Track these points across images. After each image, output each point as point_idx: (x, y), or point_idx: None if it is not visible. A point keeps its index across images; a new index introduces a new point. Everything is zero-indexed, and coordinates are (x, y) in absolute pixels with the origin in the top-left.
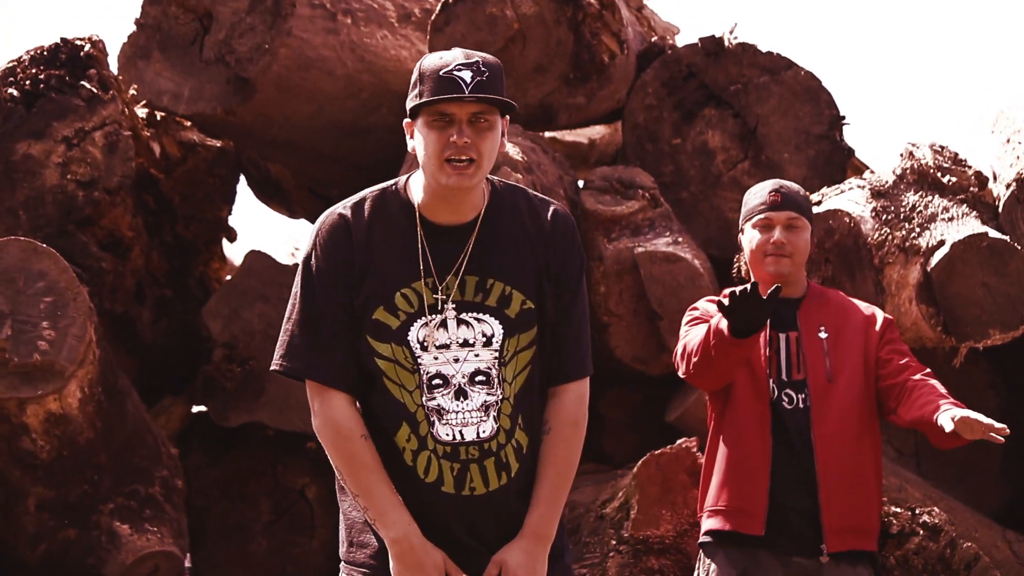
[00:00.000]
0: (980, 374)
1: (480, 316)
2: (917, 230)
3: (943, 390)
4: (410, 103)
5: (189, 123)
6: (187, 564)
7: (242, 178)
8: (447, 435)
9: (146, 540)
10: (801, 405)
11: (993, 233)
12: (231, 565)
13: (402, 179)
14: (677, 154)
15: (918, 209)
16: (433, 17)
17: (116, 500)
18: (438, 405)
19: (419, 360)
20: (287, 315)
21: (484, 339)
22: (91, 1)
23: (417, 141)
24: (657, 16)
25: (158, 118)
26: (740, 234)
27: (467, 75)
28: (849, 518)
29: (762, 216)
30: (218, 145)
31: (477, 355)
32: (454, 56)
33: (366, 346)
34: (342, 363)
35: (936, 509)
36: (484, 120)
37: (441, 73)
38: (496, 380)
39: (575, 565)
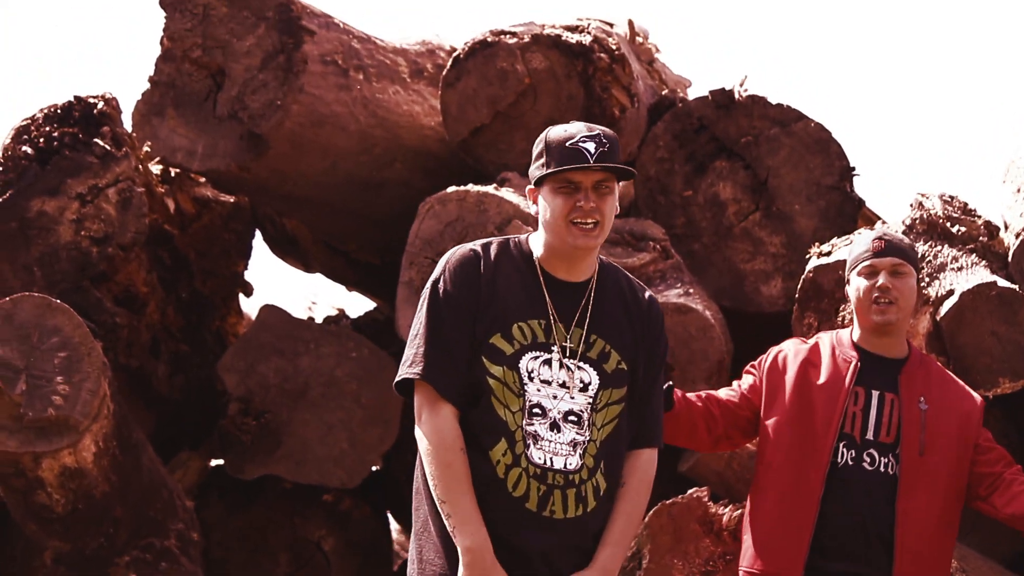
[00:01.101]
0: (992, 423)
1: (581, 364)
2: (927, 280)
3: None
4: (537, 171)
5: (203, 179)
6: None
7: (258, 233)
8: (539, 459)
9: None
10: (884, 469)
11: (1002, 282)
12: None
13: (523, 236)
14: (689, 206)
15: (927, 259)
16: (445, 72)
17: (132, 553)
18: (535, 431)
19: (525, 387)
20: (411, 334)
21: (581, 385)
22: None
23: (542, 206)
24: (668, 69)
25: (172, 174)
26: (846, 285)
27: (591, 146)
28: None
29: (867, 264)
30: (232, 200)
31: (572, 397)
32: (578, 128)
33: (480, 366)
34: (457, 378)
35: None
36: (606, 187)
37: (568, 144)
38: (586, 423)
39: None
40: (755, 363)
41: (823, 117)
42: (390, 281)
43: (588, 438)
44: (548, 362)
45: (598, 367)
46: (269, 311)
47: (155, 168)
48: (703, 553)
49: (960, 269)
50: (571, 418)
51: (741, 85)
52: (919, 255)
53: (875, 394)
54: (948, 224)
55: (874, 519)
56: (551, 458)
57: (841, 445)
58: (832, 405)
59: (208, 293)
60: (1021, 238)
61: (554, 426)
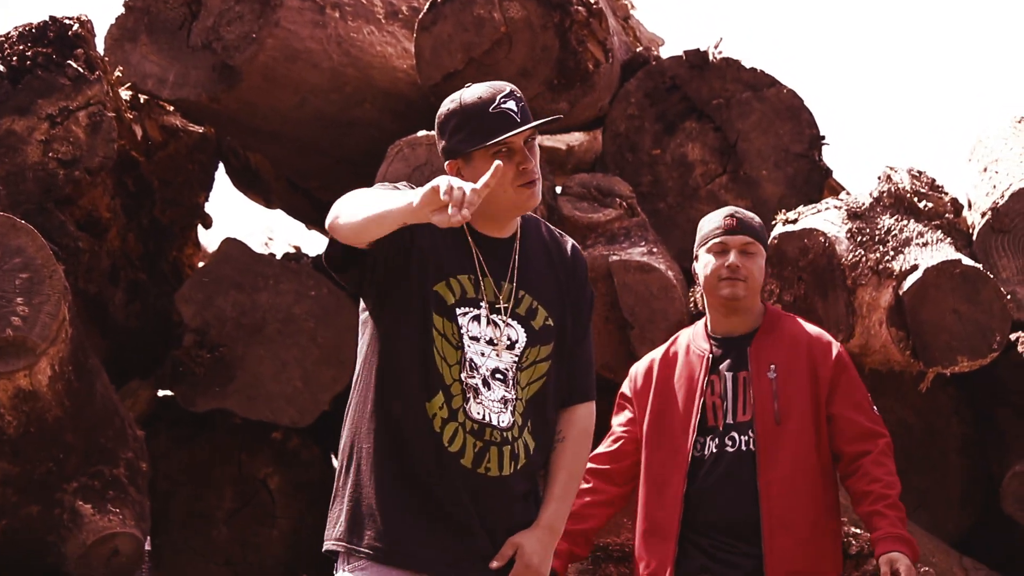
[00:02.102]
0: (946, 399)
1: (509, 321)
2: (891, 253)
3: (888, 479)
4: (462, 144)
5: (172, 108)
6: (147, 547)
7: (221, 165)
8: (478, 414)
9: (108, 521)
10: (744, 448)
11: (967, 260)
12: (192, 551)
13: None
14: (656, 165)
15: (893, 232)
16: (421, 15)
17: (80, 479)
18: (476, 384)
19: (463, 340)
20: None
21: (508, 342)
22: None
23: (470, 177)
24: (643, 27)
25: (141, 101)
26: (694, 261)
27: (512, 105)
28: (797, 563)
29: (717, 240)
30: (200, 131)
31: (498, 355)
32: (491, 91)
33: (428, 314)
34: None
35: None
36: (533, 141)
37: (491, 110)
38: (511, 381)
39: None
40: (623, 392)
41: (796, 84)
42: None
43: (515, 396)
44: (477, 318)
45: (526, 324)
46: (231, 244)
47: (125, 94)
48: None
49: (925, 245)
50: (498, 376)
51: (716, 47)
52: (886, 228)
53: (729, 376)
54: (915, 199)
55: (738, 499)
56: (487, 413)
57: (708, 439)
58: (689, 402)
59: (167, 222)
60: (986, 217)
61: (485, 382)
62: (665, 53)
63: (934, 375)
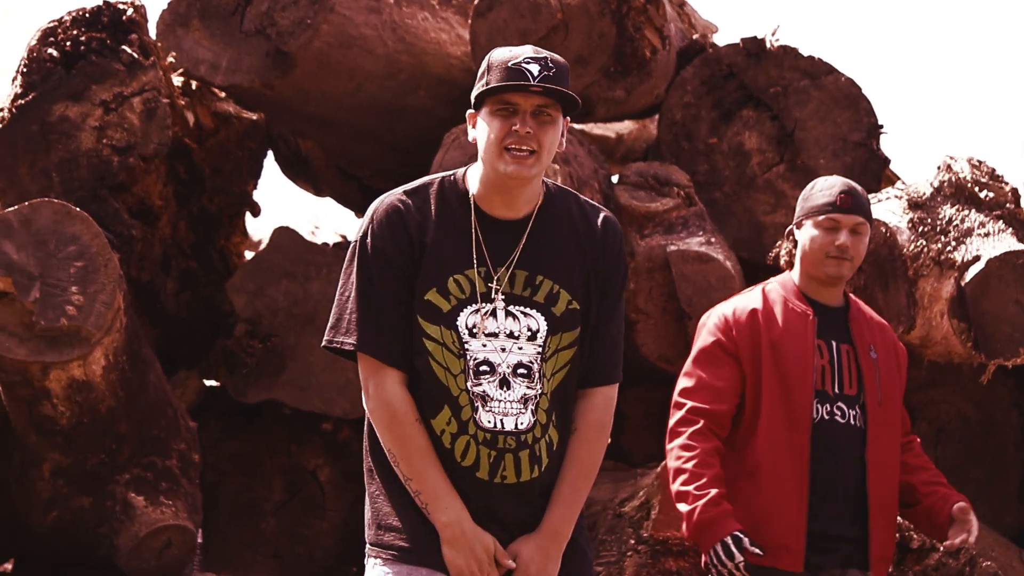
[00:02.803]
0: (1005, 392)
1: (527, 311)
2: (953, 244)
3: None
4: (475, 91)
5: (224, 94)
6: (199, 540)
7: (270, 153)
8: (489, 422)
9: (160, 513)
10: (853, 423)
11: None
12: (240, 542)
13: (460, 171)
14: (712, 153)
15: (954, 223)
16: (476, 1)
17: (133, 471)
18: (484, 392)
19: (466, 346)
20: (340, 294)
21: (529, 333)
22: None
23: (479, 130)
24: (697, 14)
25: (193, 87)
26: (795, 227)
27: (535, 68)
28: (889, 547)
29: (829, 216)
30: (252, 118)
31: (521, 348)
32: (524, 50)
33: (416, 326)
34: (397, 341)
35: None
36: (547, 114)
37: (510, 64)
38: (536, 374)
39: None
40: (719, 341)
41: (853, 72)
42: None
43: (539, 391)
44: (493, 312)
45: (546, 311)
46: (282, 233)
47: (177, 80)
48: None
49: (987, 235)
50: (520, 371)
51: (773, 34)
52: (947, 219)
53: (834, 345)
54: (976, 189)
55: (846, 474)
56: (501, 420)
57: (815, 401)
58: (802, 361)
59: (216, 210)
60: None
61: (504, 383)
62: (719, 40)
63: (995, 367)
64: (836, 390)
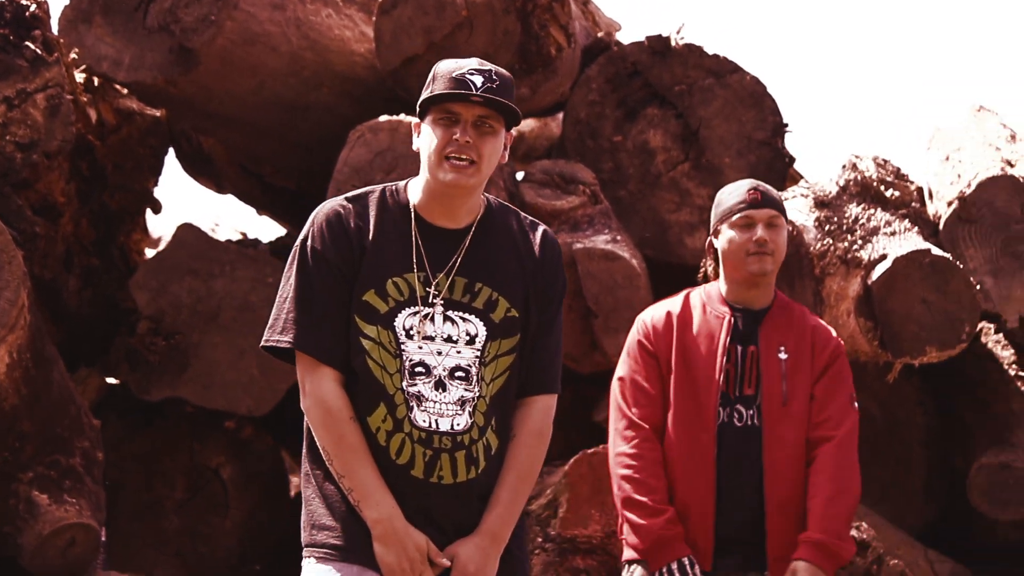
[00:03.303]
0: (911, 390)
1: (466, 316)
2: (859, 242)
3: (841, 473)
4: (420, 100)
5: (127, 91)
6: (103, 538)
7: (171, 150)
8: (424, 422)
9: (64, 511)
10: (750, 423)
11: (936, 250)
12: (142, 541)
13: (402, 182)
14: (617, 152)
15: (861, 221)
16: None
17: (36, 469)
18: (419, 392)
19: (403, 346)
20: (280, 296)
21: (468, 338)
22: None
23: (422, 138)
24: (601, 12)
25: (96, 84)
26: (712, 236)
27: (478, 79)
28: (792, 546)
29: (741, 215)
30: (156, 115)
31: (459, 352)
32: (469, 62)
33: (354, 326)
34: (334, 341)
35: (864, 524)
36: (489, 125)
37: (454, 75)
38: (475, 378)
39: None
40: (641, 344)
41: (758, 71)
42: (304, 207)
43: (477, 394)
44: (430, 316)
45: (484, 316)
46: (186, 230)
47: (79, 76)
48: None
49: (893, 234)
50: (458, 374)
51: (678, 33)
52: (854, 217)
53: (739, 348)
54: (882, 187)
55: (745, 475)
56: (436, 420)
57: (719, 405)
58: (710, 364)
59: (117, 207)
60: (953, 207)
61: (439, 385)
62: (624, 38)
63: (902, 366)
64: (737, 392)
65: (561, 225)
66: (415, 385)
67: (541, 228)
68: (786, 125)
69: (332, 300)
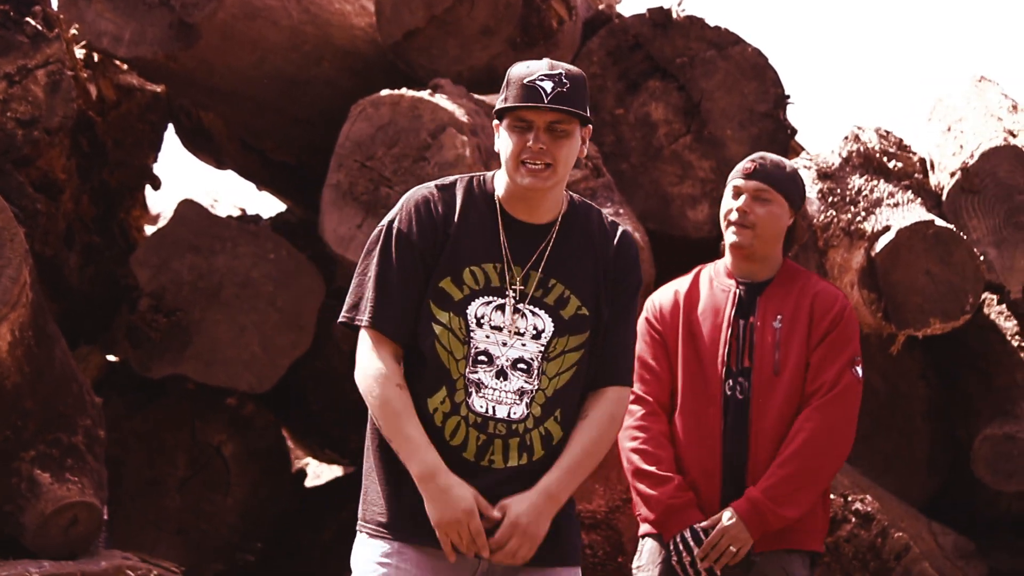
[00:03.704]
0: (913, 363)
1: (536, 310)
2: (863, 214)
3: (793, 443)
4: (496, 106)
5: (127, 66)
6: (105, 517)
7: (170, 126)
8: (481, 407)
9: (67, 490)
10: (741, 396)
11: (939, 221)
12: (144, 519)
13: (489, 173)
14: (619, 125)
15: (864, 193)
16: None
17: (38, 447)
18: (479, 379)
19: (472, 334)
20: (359, 272)
21: (534, 332)
22: None
23: (501, 141)
24: None
25: (96, 59)
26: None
27: (548, 85)
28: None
29: (734, 184)
30: (156, 90)
31: (524, 344)
32: (540, 66)
33: (426, 310)
34: (403, 322)
35: (868, 497)
36: (561, 129)
37: (525, 81)
38: (536, 371)
39: None
40: (649, 321)
41: (760, 43)
42: (304, 182)
43: (537, 387)
44: (501, 307)
45: (554, 313)
46: (187, 206)
47: (79, 52)
48: (625, 480)
49: (896, 205)
50: (520, 366)
51: (679, 4)
52: (856, 189)
53: (742, 321)
54: (884, 159)
55: (736, 446)
56: (493, 407)
57: (723, 378)
58: (716, 338)
59: (116, 184)
60: (956, 177)
61: (501, 374)
62: (624, 11)
63: (905, 338)
64: (738, 365)
65: None
66: (476, 372)
67: (621, 228)
68: (788, 97)
69: (409, 283)
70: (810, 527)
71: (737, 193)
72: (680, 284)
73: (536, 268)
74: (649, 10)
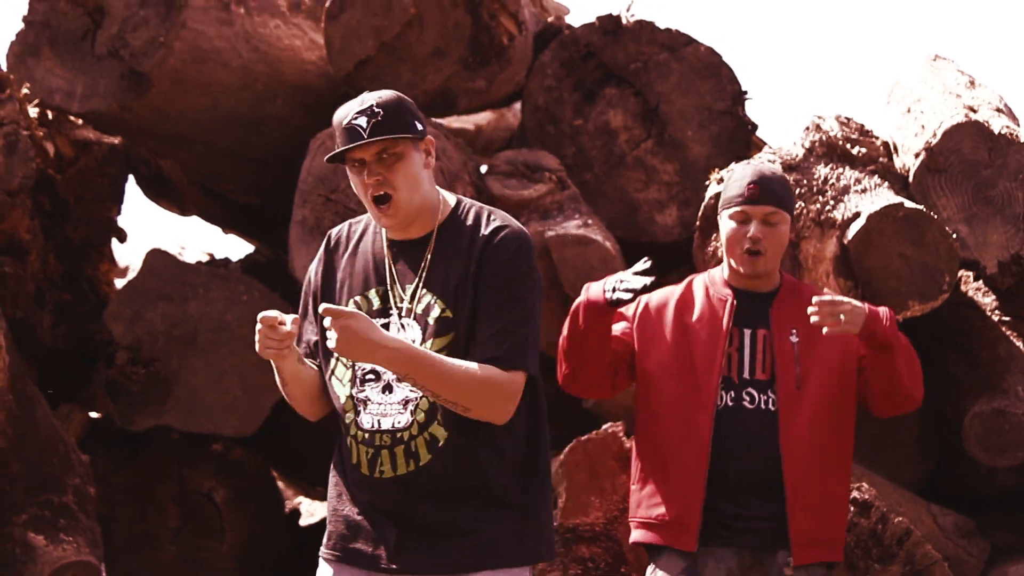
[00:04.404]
0: None
1: (411, 323)
2: (831, 203)
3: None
4: (327, 157)
5: (81, 121)
6: (103, 574)
7: (130, 177)
8: (368, 423)
9: (62, 550)
10: (764, 407)
11: (908, 203)
12: (140, 573)
13: None
14: (579, 135)
15: (830, 182)
16: (328, 4)
17: (29, 510)
18: (366, 396)
19: None
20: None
21: (411, 342)
22: None
23: (352, 184)
24: None
25: (50, 117)
26: (718, 216)
27: (363, 121)
28: (818, 531)
29: (739, 209)
30: (114, 142)
31: None
32: (352, 106)
33: (324, 347)
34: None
35: (864, 485)
36: (391, 153)
37: (344, 124)
38: None
39: None
40: (624, 310)
41: (711, 41)
42: (269, 222)
43: (420, 394)
44: (386, 326)
45: (423, 321)
46: (155, 255)
47: (32, 111)
48: (620, 489)
49: (864, 191)
50: None
51: (628, 10)
52: (823, 178)
53: (747, 332)
54: (847, 145)
55: (760, 457)
56: (379, 420)
57: (721, 389)
58: (712, 346)
59: (81, 240)
60: (920, 158)
61: (387, 388)
62: (574, 21)
63: None
64: (746, 375)
65: (531, 214)
66: (364, 391)
67: (499, 222)
68: (745, 93)
69: (314, 320)
70: (840, 538)
71: (744, 218)
72: (675, 288)
73: (411, 282)
74: (598, 18)
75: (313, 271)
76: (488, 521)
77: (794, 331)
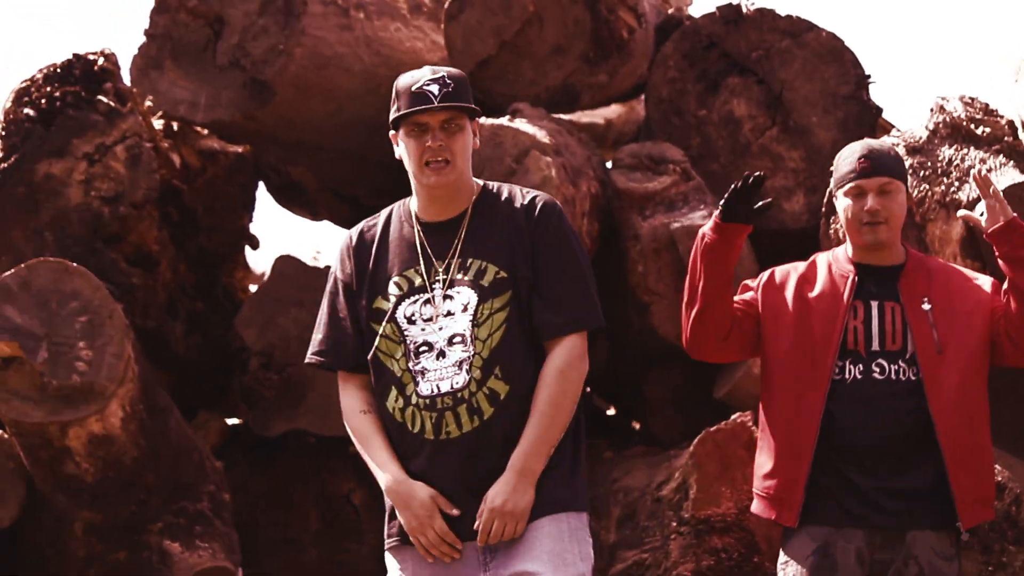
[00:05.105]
0: None
1: (460, 289)
2: (956, 184)
3: None
4: (391, 117)
5: (207, 131)
6: None
7: (261, 184)
8: (427, 390)
9: (198, 557)
10: (896, 376)
11: None
12: None
13: (409, 197)
14: (704, 126)
15: (955, 163)
16: (447, 5)
17: (165, 519)
18: (422, 367)
19: (405, 332)
20: (319, 315)
21: (463, 307)
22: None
23: (402, 148)
24: None
25: (175, 128)
26: (833, 199)
27: (435, 88)
28: (979, 488)
29: (853, 184)
30: (239, 151)
31: (456, 321)
32: (424, 73)
33: (370, 330)
34: (355, 351)
35: (998, 466)
36: (455, 125)
37: (413, 89)
38: (470, 339)
39: (632, 551)
40: (748, 281)
41: (833, 26)
42: None
43: (473, 352)
44: (429, 300)
45: (475, 284)
46: (285, 261)
47: (158, 123)
48: (751, 480)
49: (989, 171)
50: (456, 340)
51: None
52: (947, 160)
53: (874, 304)
54: (972, 126)
55: (894, 427)
56: (437, 385)
57: (847, 362)
58: (831, 321)
59: (213, 248)
60: None
61: (440, 354)
62: (695, 12)
63: None
64: (875, 347)
65: (656, 207)
66: (419, 363)
67: (533, 195)
68: (869, 76)
69: (352, 319)
70: (994, 495)
71: (859, 191)
72: (798, 265)
73: (457, 255)
74: (719, 8)
75: (339, 270)
76: (543, 475)
77: (925, 299)
